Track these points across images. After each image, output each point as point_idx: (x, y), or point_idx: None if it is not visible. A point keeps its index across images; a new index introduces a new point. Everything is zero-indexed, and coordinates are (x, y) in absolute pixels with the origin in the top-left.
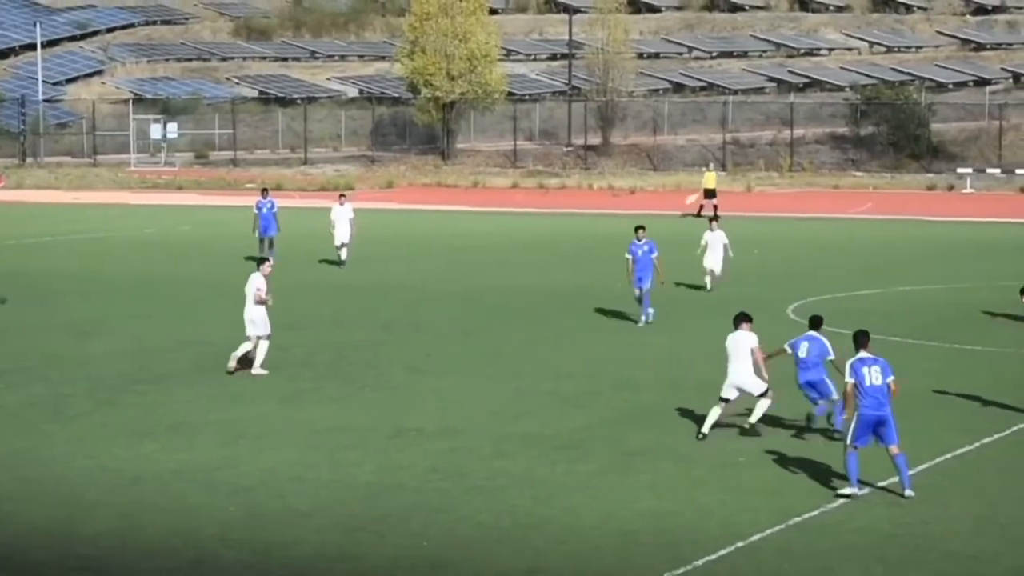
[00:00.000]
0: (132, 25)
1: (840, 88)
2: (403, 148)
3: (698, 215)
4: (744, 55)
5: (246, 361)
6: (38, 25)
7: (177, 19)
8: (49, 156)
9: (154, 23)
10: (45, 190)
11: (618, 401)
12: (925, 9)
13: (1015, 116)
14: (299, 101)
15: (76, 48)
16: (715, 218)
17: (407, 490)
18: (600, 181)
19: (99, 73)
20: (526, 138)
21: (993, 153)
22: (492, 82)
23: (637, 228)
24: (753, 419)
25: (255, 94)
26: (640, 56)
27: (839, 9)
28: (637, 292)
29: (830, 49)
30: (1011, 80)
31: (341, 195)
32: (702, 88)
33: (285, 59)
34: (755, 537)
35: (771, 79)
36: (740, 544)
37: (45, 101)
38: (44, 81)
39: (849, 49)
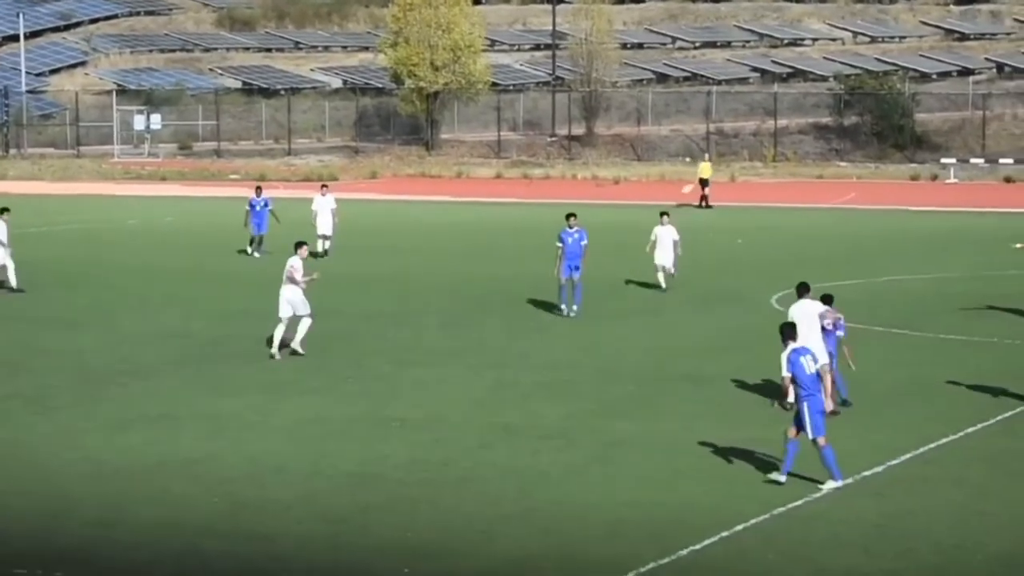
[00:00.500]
0: (115, 16)
1: (824, 78)
2: (387, 139)
3: (699, 206)
4: (728, 45)
5: (284, 343)
6: (21, 16)
7: (160, 10)
8: (32, 147)
9: (137, 14)
10: (28, 181)
11: (599, 391)
12: None
13: (998, 106)
14: (283, 92)
15: (59, 39)
16: (706, 206)
17: (390, 481)
18: (584, 171)
19: (82, 64)
20: (510, 128)
21: (976, 143)
22: (476, 72)
23: (568, 215)
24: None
25: (239, 85)
26: (624, 46)
27: None
28: (564, 280)
29: (814, 39)
30: (995, 70)
31: (323, 185)
32: (686, 78)
33: (269, 50)
34: (739, 527)
35: (755, 69)
36: (725, 534)
37: (28, 92)
38: (27, 72)
39: (833, 39)
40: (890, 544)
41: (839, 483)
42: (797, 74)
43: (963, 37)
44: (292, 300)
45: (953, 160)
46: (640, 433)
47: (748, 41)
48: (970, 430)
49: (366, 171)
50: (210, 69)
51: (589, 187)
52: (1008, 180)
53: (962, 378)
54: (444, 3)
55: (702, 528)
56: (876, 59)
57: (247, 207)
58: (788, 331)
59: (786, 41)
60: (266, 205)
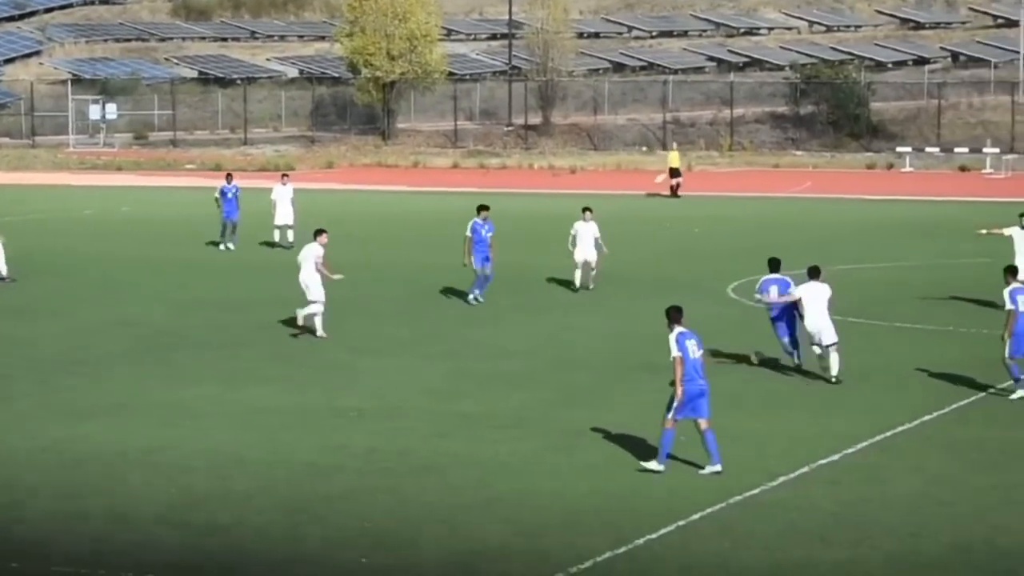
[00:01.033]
0: (70, 5)
1: (780, 67)
2: (343, 128)
3: (672, 195)
4: (684, 34)
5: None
6: None
7: None
8: None
9: (92, 3)
10: None
11: (556, 380)
12: None
13: (953, 95)
14: (239, 81)
15: (13, 28)
16: (674, 196)
17: (348, 471)
18: (540, 161)
19: (37, 54)
20: (466, 118)
21: (932, 132)
22: (432, 62)
23: (480, 208)
24: (835, 371)
25: (194, 74)
26: (580, 36)
27: None
28: (479, 269)
29: (769, 28)
30: (950, 59)
31: (284, 175)
32: (642, 68)
33: (224, 39)
34: (695, 516)
35: (711, 58)
36: (681, 523)
37: None
38: None
39: (788, 28)
40: (846, 532)
41: (719, 467)
42: (753, 63)
43: (918, 26)
44: (309, 285)
45: (909, 149)
46: (597, 422)
47: (704, 30)
48: (927, 418)
49: (322, 161)
50: (166, 59)
51: (546, 177)
52: (963, 169)
53: (919, 366)
54: None
55: (659, 517)
56: (832, 48)
57: (217, 195)
58: (675, 314)
59: (742, 30)
60: (236, 191)
